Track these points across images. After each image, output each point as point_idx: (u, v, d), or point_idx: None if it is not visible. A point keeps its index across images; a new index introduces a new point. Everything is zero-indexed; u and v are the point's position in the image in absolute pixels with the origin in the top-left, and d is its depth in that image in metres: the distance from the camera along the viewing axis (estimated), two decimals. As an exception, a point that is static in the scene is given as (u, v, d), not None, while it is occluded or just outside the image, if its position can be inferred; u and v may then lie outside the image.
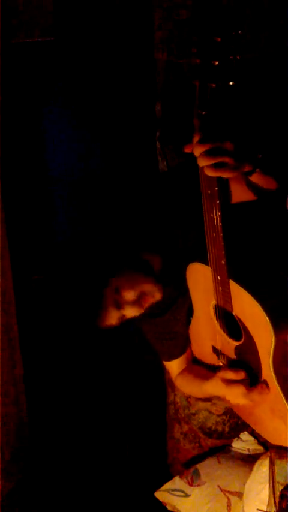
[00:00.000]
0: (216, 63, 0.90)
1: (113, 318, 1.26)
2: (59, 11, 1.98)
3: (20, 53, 2.03)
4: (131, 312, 1.27)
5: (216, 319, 1.26)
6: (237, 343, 1.24)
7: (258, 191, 1.10)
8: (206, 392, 1.38)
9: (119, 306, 1.25)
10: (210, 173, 0.98)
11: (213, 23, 0.88)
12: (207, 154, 0.96)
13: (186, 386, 1.55)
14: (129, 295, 1.25)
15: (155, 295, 1.27)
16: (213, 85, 0.92)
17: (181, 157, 1.87)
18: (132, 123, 2.05)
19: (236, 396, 1.25)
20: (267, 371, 1.17)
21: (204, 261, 1.16)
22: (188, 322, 1.46)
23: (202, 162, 0.97)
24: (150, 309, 1.30)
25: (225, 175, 0.98)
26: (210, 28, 0.88)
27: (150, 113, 1.94)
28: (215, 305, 1.23)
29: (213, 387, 1.32)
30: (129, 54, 1.98)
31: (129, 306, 1.26)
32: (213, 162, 0.96)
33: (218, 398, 1.37)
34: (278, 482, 1.62)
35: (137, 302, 1.26)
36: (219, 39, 0.89)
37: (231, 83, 0.91)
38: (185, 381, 1.54)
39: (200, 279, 1.23)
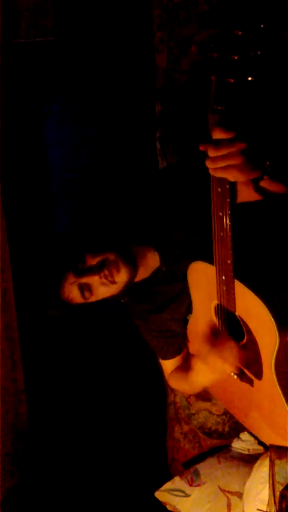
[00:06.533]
0: (236, 57, 0.86)
1: (75, 292, 1.27)
2: (60, 11, 1.98)
3: (20, 53, 2.03)
4: (99, 286, 1.28)
5: (217, 319, 1.26)
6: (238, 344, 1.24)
7: (266, 194, 1.08)
8: (192, 381, 1.38)
9: (81, 272, 1.26)
10: (218, 174, 0.96)
11: (235, 16, 0.84)
12: (223, 157, 0.93)
13: (178, 383, 1.55)
14: (91, 260, 1.26)
15: (120, 266, 1.27)
16: (232, 80, 0.88)
17: (181, 157, 1.88)
18: (132, 123, 2.05)
19: (212, 359, 1.23)
20: (269, 372, 1.17)
21: (207, 259, 1.15)
22: (186, 321, 1.46)
23: (219, 163, 0.94)
24: (127, 290, 1.32)
25: (232, 176, 0.96)
26: (232, 21, 0.84)
27: (150, 113, 1.94)
28: (217, 305, 1.22)
29: (197, 374, 1.32)
30: (129, 54, 1.98)
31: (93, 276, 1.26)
32: (226, 164, 0.94)
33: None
34: (278, 482, 1.61)
35: (101, 272, 1.26)
36: (240, 33, 0.84)
37: (249, 79, 0.87)
38: (177, 378, 1.54)
39: (202, 278, 1.23)
